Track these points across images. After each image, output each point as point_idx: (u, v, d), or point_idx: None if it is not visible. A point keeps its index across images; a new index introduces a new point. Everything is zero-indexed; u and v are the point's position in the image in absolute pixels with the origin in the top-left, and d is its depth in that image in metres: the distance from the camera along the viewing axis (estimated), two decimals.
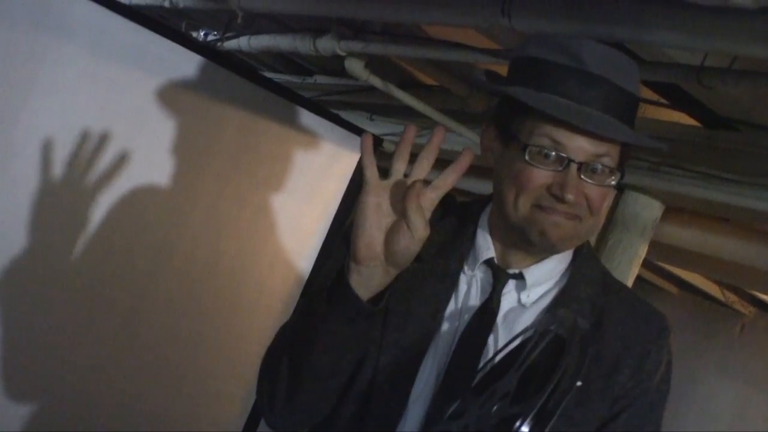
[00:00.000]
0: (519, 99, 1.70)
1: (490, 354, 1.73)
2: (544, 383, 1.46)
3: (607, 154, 1.70)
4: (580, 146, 1.68)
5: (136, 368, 3.70)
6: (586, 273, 1.85)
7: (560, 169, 1.69)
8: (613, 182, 1.73)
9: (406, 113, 5.09)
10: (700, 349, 7.90)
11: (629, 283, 4.59)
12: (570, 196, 1.68)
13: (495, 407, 1.51)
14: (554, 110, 1.66)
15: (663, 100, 3.80)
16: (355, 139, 4.10)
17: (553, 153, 1.68)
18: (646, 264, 5.82)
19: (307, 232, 3.93)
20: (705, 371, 7.85)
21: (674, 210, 4.75)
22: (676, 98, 3.70)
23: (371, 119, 5.50)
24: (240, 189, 3.79)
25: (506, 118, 1.77)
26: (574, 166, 1.68)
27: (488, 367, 1.59)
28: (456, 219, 1.92)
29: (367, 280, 1.65)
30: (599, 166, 1.70)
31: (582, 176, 1.69)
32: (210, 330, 3.86)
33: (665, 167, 4.18)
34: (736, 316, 7.69)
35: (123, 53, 3.37)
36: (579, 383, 1.46)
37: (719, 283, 7.09)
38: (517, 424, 1.44)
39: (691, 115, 3.88)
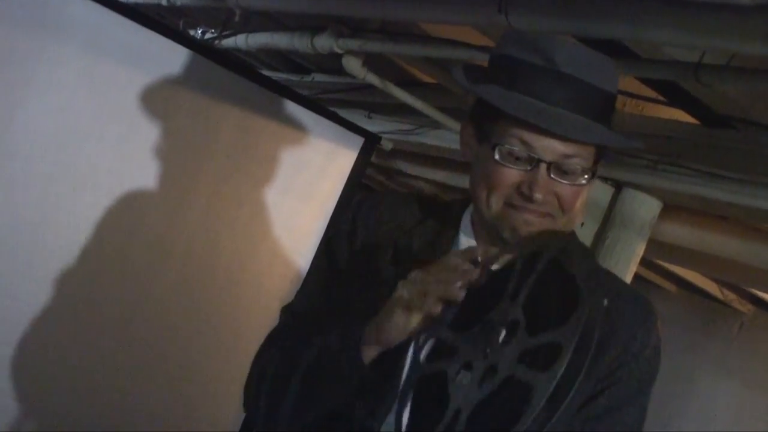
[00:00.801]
0: (485, 99, 1.73)
1: None
2: (566, 313, 1.46)
3: (578, 154, 1.71)
4: (549, 146, 1.69)
5: (134, 367, 3.70)
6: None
7: (530, 168, 1.70)
8: (584, 181, 1.74)
9: (404, 111, 5.09)
10: (699, 348, 7.89)
11: (627, 281, 4.58)
12: (538, 196, 1.69)
13: (502, 339, 1.51)
14: (520, 112, 1.67)
15: (661, 98, 3.79)
16: (353, 137, 4.10)
17: (523, 153, 1.69)
18: (645, 262, 5.82)
19: (305, 230, 3.93)
20: (703, 369, 7.84)
21: (672, 208, 4.74)
22: (674, 96, 3.69)
23: (369, 117, 5.50)
24: (237, 187, 3.79)
25: (480, 117, 1.79)
26: (543, 166, 1.69)
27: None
28: (437, 221, 1.94)
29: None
30: (569, 166, 1.71)
31: (552, 176, 1.71)
32: (207, 329, 3.86)
33: (663, 165, 4.18)
34: (734, 314, 7.67)
35: (120, 51, 3.37)
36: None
37: (718, 282, 7.08)
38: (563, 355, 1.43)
39: (689, 112, 3.87)
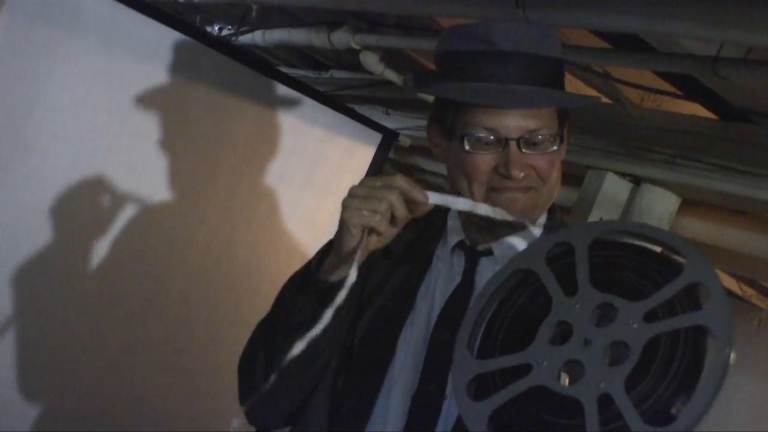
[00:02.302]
0: (440, 96, 1.83)
1: None
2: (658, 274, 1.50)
3: (543, 125, 1.78)
4: (512, 124, 1.76)
5: (150, 364, 3.71)
6: None
7: (501, 149, 1.77)
8: (555, 148, 1.81)
9: (422, 107, 5.08)
10: None
11: None
12: (516, 172, 1.76)
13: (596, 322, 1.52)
14: (474, 98, 1.76)
15: (678, 92, 3.78)
16: (371, 134, 4.10)
17: (491, 137, 1.76)
18: None
19: (323, 226, 3.93)
20: None
21: (691, 203, 4.72)
22: (691, 90, 3.68)
23: (387, 113, 5.49)
24: (255, 184, 3.80)
25: (442, 115, 1.86)
26: (512, 144, 1.76)
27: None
28: (426, 215, 1.96)
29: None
30: (537, 138, 1.78)
31: (523, 150, 1.77)
32: (225, 325, 3.87)
33: (681, 160, 4.17)
34: (753, 310, 7.62)
35: (137, 48, 3.37)
36: None
37: (736, 277, 7.05)
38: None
39: (706, 107, 3.86)
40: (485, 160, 1.77)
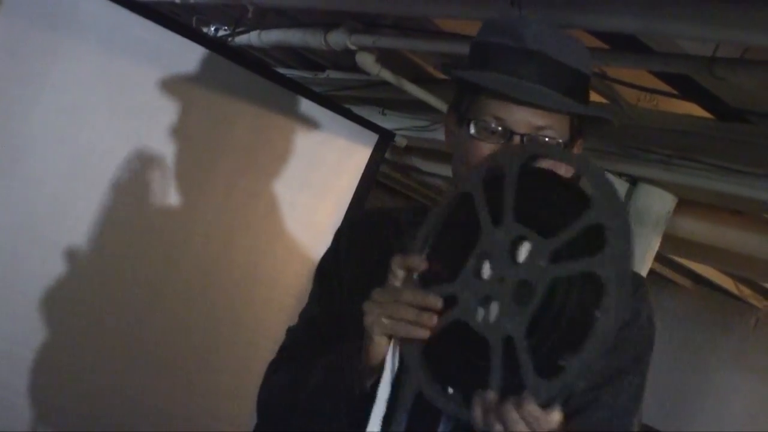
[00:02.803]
0: (459, 77, 1.82)
1: None
2: (578, 209, 1.42)
3: (550, 127, 1.76)
4: (521, 119, 1.74)
5: (149, 364, 3.70)
6: None
7: (504, 141, 1.75)
8: None
9: (418, 107, 5.08)
10: (715, 343, 7.88)
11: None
12: None
13: (511, 258, 1.46)
14: (488, 83, 1.74)
15: (674, 92, 3.78)
16: (368, 134, 4.10)
17: (498, 128, 1.75)
18: (660, 258, 5.80)
19: (320, 226, 3.93)
20: (719, 365, 7.83)
21: (687, 203, 4.73)
22: (688, 89, 3.68)
23: (383, 114, 5.49)
24: (252, 184, 3.80)
25: (459, 102, 1.85)
26: (516, 138, 1.74)
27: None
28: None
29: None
30: (542, 138, 1.76)
31: None
32: (223, 325, 3.87)
33: (678, 160, 4.17)
34: (750, 309, 7.66)
35: (134, 48, 3.38)
36: None
37: (733, 277, 7.06)
38: None
39: (702, 106, 3.87)
40: (486, 149, 1.75)
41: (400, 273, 1.61)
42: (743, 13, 2.45)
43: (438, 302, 1.53)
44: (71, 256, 3.42)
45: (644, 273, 4.62)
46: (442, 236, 1.59)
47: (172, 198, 3.60)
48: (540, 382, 1.39)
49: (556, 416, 1.41)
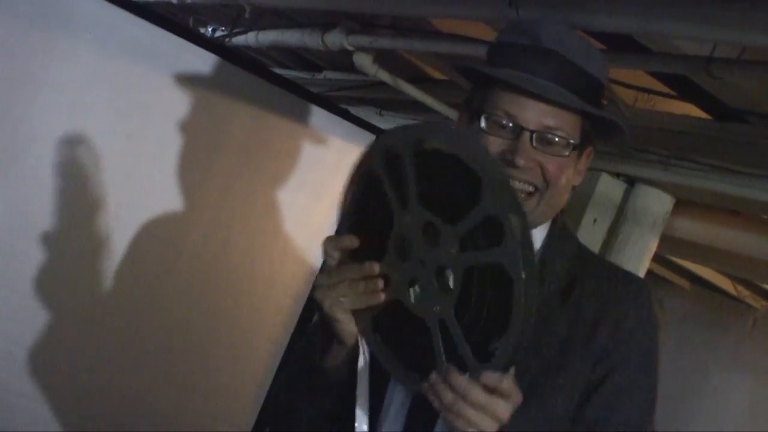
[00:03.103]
0: (473, 69, 1.82)
1: None
2: (473, 194, 1.44)
3: (560, 127, 1.77)
4: (531, 116, 1.75)
5: (145, 366, 3.70)
6: (561, 249, 1.90)
7: (514, 137, 1.76)
8: (567, 153, 1.79)
9: (415, 108, 5.08)
10: (712, 344, 7.87)
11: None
12: (521, 161, 1.74)
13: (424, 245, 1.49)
14: (501, 75, 1.76)
15: (672, 92, 3.78)
16: (365, 135, 4.10)
17: (509, 123, 1.76)
18: (657, 258, 5.80)
19: (317, 227, 3.93)
20: (717, 365, 7.83)
21: (685, 203, 4.74)
22: (685, 90, 3.68)
23: (380, 114, 5.50)
24: (249, 185, 3.79)
25: (471, 98, 1.87)
26: (526, 134, 1.75)
27: None
28: None
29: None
30: (552, 137, 1.77)
31: (535, 145, 1.76)
32: (220, 326, 3.86)
33: (675, 160, 4.17)
34: (748, 310, 7.65)
35: (131, 49, 3.37)
36: None
37: (731, 277, 7.06)
38: None
39: (700, 107, 3.86)
40: (495, 143, 1.76)
41: (336, 254, 1.68)
42: (741, 13, 2.44)
43: (375, 267, 1.59)
44: (69, 256, 3.42)
45: (642, 273, 4.62)
46: (362, 214, 1.64)
47: (170, 198, 3.60)
48: (478, 366, 1.44)
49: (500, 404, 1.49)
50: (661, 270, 7.36)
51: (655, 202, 4.57)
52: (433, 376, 1.50)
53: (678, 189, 4.44)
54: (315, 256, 3.96)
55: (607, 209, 4.59)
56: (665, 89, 3.78)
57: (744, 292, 7.31)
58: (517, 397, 1.52)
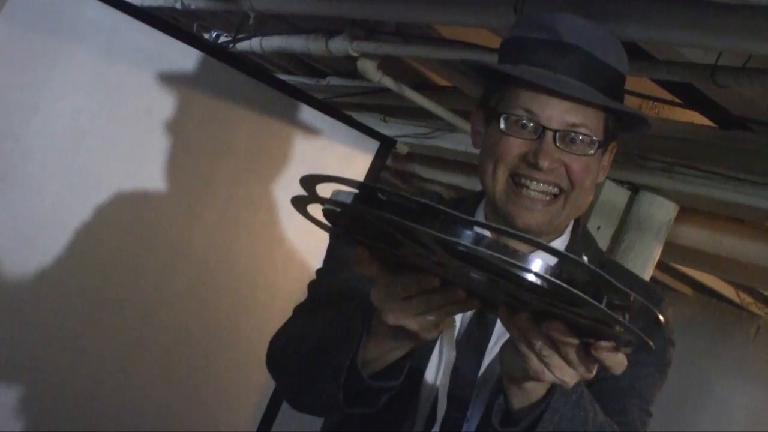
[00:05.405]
0: (490, 67, 1.75)
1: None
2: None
3: (584, 124, 1.70)
4: (554, 115, 1.68)
5: (149, 369, 3.70)
6: (584, 252, 1.86)
7: (536, 137, 1.69)
8: (591, 152, 1.72)
9: (419, 114, 5.08)
10: (715, 352, 7.86)
11: None
12: (544, 163, 1.67)
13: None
14: (520, 72, 1.68)
15: (677, 100, 3.78)
16: (369, 141, 4.10)
17: (530, 123, 1.69)
18: (661, 266, 5.79)
19: (320, 233, 3.90)
20: (720, 373, 7.81)
21: (689, 211, 4.73)
22: (690, 98, 3.68)
23: (384, 121, 5.49)
24: (252, 191, 3.79)
25: (487, 98, 1.78)
26: (549, 134, 1.68)
27: None
28: None
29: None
30: (576, 136, 1.70)
31: (558, 145, 1.69)
32: (222, 331, 3.86)
33: (680, 168, 4.17)
34: (751, 317, 7.64)
35: (135, 55, 3.37)
36: None
37: (734, 285, 7.05)
38: None
39: (705, 114, 3.86)
40: (516, 144, 1.69)
41: (372, 268, 1.49)
42: (746, 21, 2.44)
43: (434, 280, 1.38)
44: (71, 261, 3.42)
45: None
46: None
47: (173, 204, 3.60)
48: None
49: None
50: (664, 277, 7.35)
51: (659, 210, 4.56)
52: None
53: (682, 197, 4.43)
54: (317, 262, 3.95)
55: (611, 216, 4.58)
56: (670, 97, 3.78)
57: (747, 300, 7.30)
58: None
